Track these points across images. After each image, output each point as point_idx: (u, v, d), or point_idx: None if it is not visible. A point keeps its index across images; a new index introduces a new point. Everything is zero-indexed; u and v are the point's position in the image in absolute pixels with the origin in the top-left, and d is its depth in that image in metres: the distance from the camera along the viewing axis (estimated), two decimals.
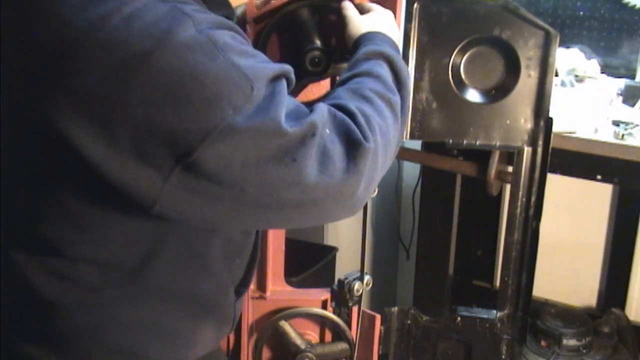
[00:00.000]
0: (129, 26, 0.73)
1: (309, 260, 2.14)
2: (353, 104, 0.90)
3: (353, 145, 0.84)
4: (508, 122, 1.38)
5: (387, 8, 1.32)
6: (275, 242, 1.47)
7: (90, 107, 0.73)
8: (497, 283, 2.58)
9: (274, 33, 1.35)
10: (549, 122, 1.36)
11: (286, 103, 0.82)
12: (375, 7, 1.19)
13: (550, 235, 2.23)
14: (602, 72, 2.24)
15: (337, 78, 1.41)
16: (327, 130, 0.83)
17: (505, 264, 1.43)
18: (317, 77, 1.34)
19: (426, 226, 2.24)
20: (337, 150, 0.83)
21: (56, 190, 0.81)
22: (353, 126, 0.86)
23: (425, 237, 2.25)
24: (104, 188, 0.77)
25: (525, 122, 1.37)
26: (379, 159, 0.88)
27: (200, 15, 0.79)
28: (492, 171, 1.90)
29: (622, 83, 2.14)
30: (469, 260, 2.53)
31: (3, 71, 0.78)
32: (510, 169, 1.87)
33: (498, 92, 1.38)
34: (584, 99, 2.03)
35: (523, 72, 1.35)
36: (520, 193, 1.40)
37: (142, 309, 0.90)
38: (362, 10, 1.19)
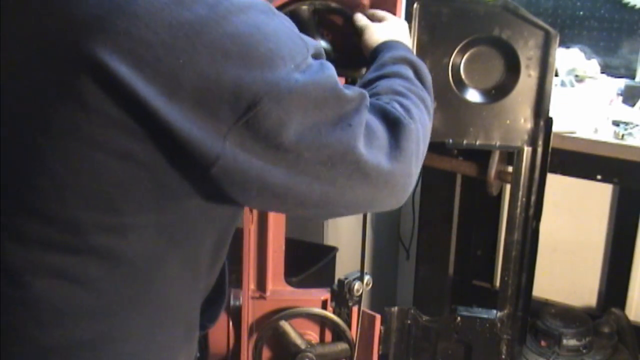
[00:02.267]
0: None
1: (309, 260, 2.14)
2: (387, 97, 0.91)
3: (394, 125, 0.85)
4: (508, 122, 1.38)
5: (388, 8, 1.33)
6: (275, 242, 1.47)
7: (155, 57, 0.71)
8: (497, 283, 2.58)
9: None
10: (549, 122, 1.36)
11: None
12: (389, 16, 1.19)
13: (550, 235, 2.23)
14: (602, 72, 2.24)
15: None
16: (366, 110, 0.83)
17: (505, 264, 1.43)
18: None
19: (426, 226, 2.24)
20: (379, 128, 0.83)
21: (88, 156, 0.74)
22: (390, 108, 0.86)
23: (425, 237, 2.25)
24: (155, 153, 0.74)
25: (525, 122, 1.37)
26: (421, 144, 0.89)
27: None
28: (492, 171, 1.90)
29: (622, 83, 2.14)
30: (469, 260, 2.53)
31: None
32: (510, 169, 1.87)
33: (498, 92, 1.38)
34: (584, 99, 2.03)
35: (523, 72, 1.35)
36: (520, 193, 1.40)
37: (147, 320, 0.85)
38: (374, 18, 1.19)
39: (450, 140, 1.40)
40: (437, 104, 1.38)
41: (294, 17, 1.32)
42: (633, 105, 2.00)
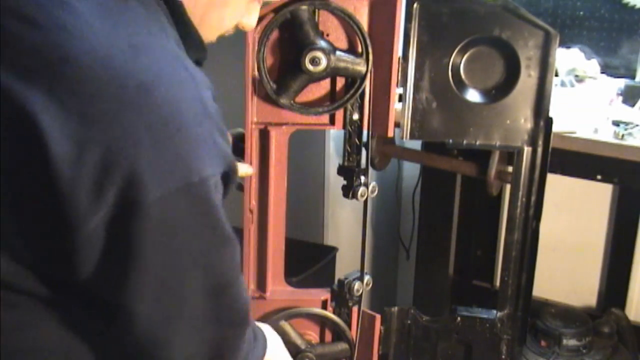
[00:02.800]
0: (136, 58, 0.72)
1: (309, 260, 2.14)
2: None
3: None
4: (508, 122, 1.38)
5: (387, 9, 1.33)
6: (275, 242, 1.47)
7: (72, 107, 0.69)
8: (497, 283, 2.58)
9: (273, 32, 1.36)
10: (549, 122, 1.36)
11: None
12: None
13: (550, 235, 2.23)
14: (602, 72, 2.24)
15: (337, 78, 1.42)
16: None
17: (505, 264, 1.43)
18: (317, 77, 1.35)
19: (426, 226, 2.24)
20: None
21: None
22: None
23: (425, 237, 2.25)
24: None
25: (525, 122, 1.37)
26: None
27: (198, 74, 0.79)
28: (492, 171, 1.90)
29: (622, 83, 2.14)
30: (469, 260, 2.53)
31: None
32: (510, 169, 1.87)
33: (498, 92, 1.37)
34: (584, 99, 2.03)
35: (523, 72, 1.35)
36: (520, 193, 1.40)
37: None
38: None
39: (450, 141, 1.40)
40: (437, 104, 1.39)
41: (294, 17, 1.33)
42: (633, 105, 2.00)
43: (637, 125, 1.82)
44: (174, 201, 0.73)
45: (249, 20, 1.01)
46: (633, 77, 2.19)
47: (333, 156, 2.20)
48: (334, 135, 2.18)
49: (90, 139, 0.69)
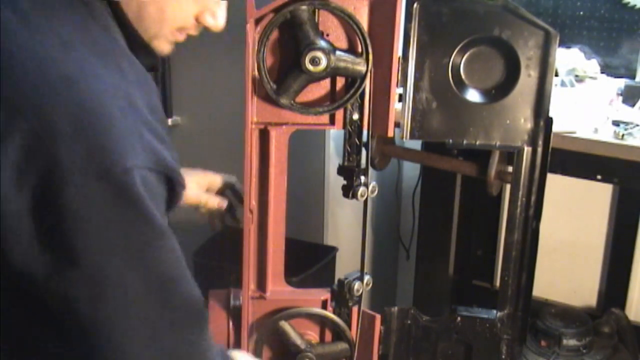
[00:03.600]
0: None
1: (309, 260, 2.14)
2: None
3: None
4: (508, 122, 1.38)
5: (387, 8, 1.33)
6: (275, 242, 1.47)
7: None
8: (497, 283, 2.58)
9: (273, 32, 1.35)
10: (549, 122, 1.36)
11: None
12: None
13: (550, 235, 2.23)
14: (602, 72, 2.24)
15: (337, 78, 1.42)
16: None
17: (505, 263, 1.43)
18: (317, 77, 1.35)
19: (426, 226, 2.24)
20: None
21: None
22: None
23: (425, 237, 2.25)
24: None
25: (525, 122, 1.37)
26: None
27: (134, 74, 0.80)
28: (492, 171, 1.90)
29: (622, 83, 2.14)
30: (468, 260, 2.53)
31: None
32: (510, 169, 1.87)
33: (498, 92, 1.37)
34: (584, 99, 2.03)
35: (523, 72, 1.35)
36: (520, 193, 1.40)
37: None
38: None
39: (450, 141, 1.40)
40: (436, 104, 1.39)
41: (294, 17, 1.33)
42: (633, 105, 2.00)
43: (637, 125, 1.82)
44: (95, 190, 0.73)
45: (215, 20, 1.00)
46: (633, 77, 2.19)
47: (333, 156, 2.20)
48: (334, 135, 2.18)
49: (12, 125, 0.71)
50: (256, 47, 1.35)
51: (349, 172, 1.44)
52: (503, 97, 1.37)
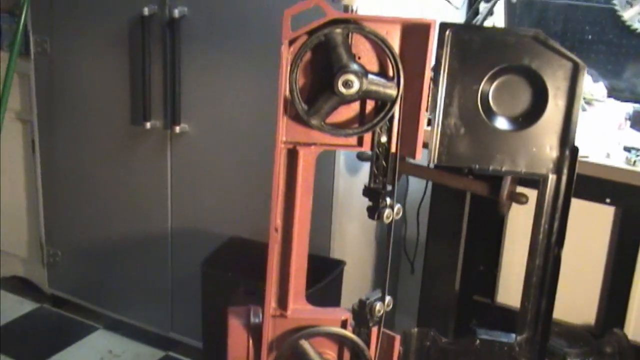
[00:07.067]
0: None
1: (317, 274, 2.14)
2: None
3: None
4: (534, 149, 1.40)
5: (420, 34, 1.35)
6: (298, 261, 1.48)
7: None
8: (498, 299, 2.61)
9: (307, 54, 1.36)
10: (575, 151, 1.38)
11: None
12: None
13: None
14: (609, 96, 2.28)
15: (367, 100, 1.43)
16: None
17: (526, 289, 1.45)
18: (349, 99, 1.36)
19: (434, 241, 2.26)
20: None
21: None
22: None
23: (433, 252, 2.27)
24: None
25: (551, 150, 1.40)
26: None
27: None
28: (505, 192, 1.93)
29: (630, 107, 2.17)
30: (470, 276, 2.55)
31: None
32: (519, 189, 1.90)
33: (525, 120, 1.39)
34: (594, 123, 2.06)
35: (551, 101, 1.37)
36: (543, 220, 1.42)
37: None
38: None
39: (477, 166, 1.42)
40: (465, 129, 1.40)
41: (328, 40, 1.34)
42: None
43: None
44: None
45: None
46: (639, 101, 2.23)
47: (342, 170, 2.21)
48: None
49: None
50: (289, 68, 1.36)
51: (375, 194, 1.45)
52: (530, 125, 1.39)
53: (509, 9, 2.33)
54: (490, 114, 1.40)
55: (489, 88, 1.39)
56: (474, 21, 2.34)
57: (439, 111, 1.40)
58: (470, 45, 1.37)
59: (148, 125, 2.49)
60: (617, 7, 2.33)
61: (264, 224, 2.37)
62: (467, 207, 2.20)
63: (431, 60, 1.35)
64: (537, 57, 1.36)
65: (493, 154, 1.41)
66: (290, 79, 1.36)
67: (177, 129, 2.45)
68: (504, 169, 1.42)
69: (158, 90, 2.47)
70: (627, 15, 2.32)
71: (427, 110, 1.38)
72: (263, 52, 2.25)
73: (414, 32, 1.37)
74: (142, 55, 2.42)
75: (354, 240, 2.35)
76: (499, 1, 2.34)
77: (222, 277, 2.16)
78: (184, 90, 2.43)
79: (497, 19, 2.33)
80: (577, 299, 2.44)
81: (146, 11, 2.36)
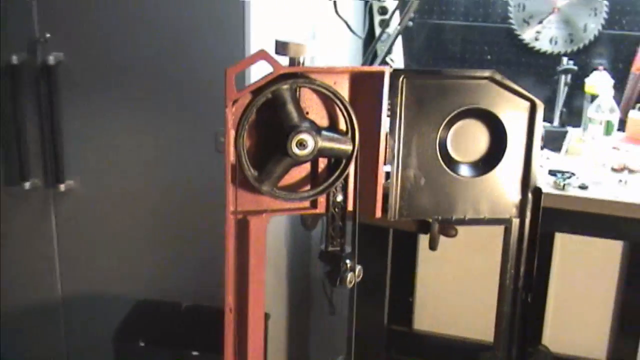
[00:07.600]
0: None
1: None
2: None
3: None
4: (496, 194, 1.34)
5: (372, 83, 1.24)
6: (255, 340, 1.33)
7: None
8: (415, 326, 2.58)
9: (253, 114, 1.22)
10: (538, 192, 1.33)
11: None
12: None
13: (562, 289, 2.25)
14: None
15: (319, 160, 1.30)
16: None
17: (497, 335, 1.39)
18: (303, 160, 1.23)
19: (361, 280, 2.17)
20: None
21: None
22: None
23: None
24: None
25: (513, 193, 1.34)
26: None
27: None
28: (436, 228, 1.86)
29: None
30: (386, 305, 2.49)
31: None
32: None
33: (485, 164, 1.33)
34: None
35: (510, 143, 1.32)
36: (509, 265, 1.37)
37: None
38: None
39: (439, 217, 1.33)
40: (425, 180, 1.32)
41: (276, 98, 1.20)
42: (558, 150, 2.04)
43: (573, 175, 1.85)
44: None
45: None
46: (551, 122, 2.25)
47: None
48: None
49: None
50: (233, 133, 1.21)
51: (335, 258, 1.33)
52: (491, 170, 1.33)
53: (407, 32, 2.28)
54: (449, 161, 1.32)
55: (447, 134, 1.31)
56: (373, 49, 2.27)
57: (397, 163, 1.30)
58: (425, 90, 1.28)
59: (27, 185, 2.21)
60: (514, 27, 2.35)
61: (174, 283, 2.19)
62: (390, 242, 2.13)
63: (385, 110, 1.26)
64: (493, 99, 1.30)
65: (455, 203, 1.34)
66: (237, 143, 1.21)
67: (62, 187, 2.19)
68: (467, 217, 1.34)
69: (36, 144, 2.20)
70: (525, 35, 2.35)
71: (385, 163, 1.28)
72: (152, 95, 2.07)
73: (364, 81, 1.27)
74: (13, 107, 2.15)
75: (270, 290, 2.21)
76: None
77: (139, 349, 1.95)
78: (66, 143, 2.18)
79: (395, 44, 2.28)
80: (587, 333, 2.42)
81: (14, 59, 2.10)
